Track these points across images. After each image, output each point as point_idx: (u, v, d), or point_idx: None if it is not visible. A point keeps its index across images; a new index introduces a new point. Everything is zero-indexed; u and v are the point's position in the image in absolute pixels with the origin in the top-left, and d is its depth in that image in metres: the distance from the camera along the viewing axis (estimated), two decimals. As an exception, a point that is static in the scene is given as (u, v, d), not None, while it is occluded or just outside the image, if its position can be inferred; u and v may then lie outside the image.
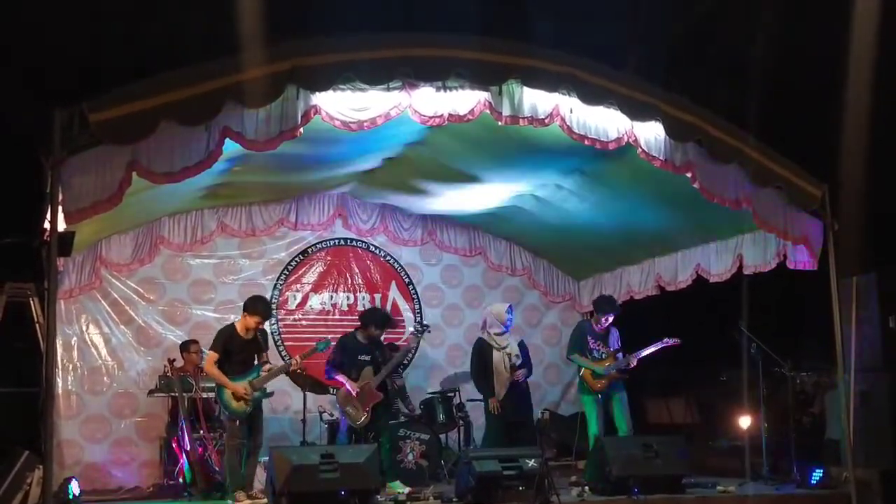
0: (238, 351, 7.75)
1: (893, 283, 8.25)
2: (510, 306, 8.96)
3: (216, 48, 6.86)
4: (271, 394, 8.05)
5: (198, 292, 10.14)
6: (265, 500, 7.60)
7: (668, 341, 8.64)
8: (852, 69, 9.49)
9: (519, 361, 8.60)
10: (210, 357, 7.77)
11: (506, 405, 8.50)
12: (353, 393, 8.22)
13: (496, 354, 8.58)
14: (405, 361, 10.23)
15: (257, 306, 7.90)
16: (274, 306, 10.33)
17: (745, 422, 8.91)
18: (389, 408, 8.76)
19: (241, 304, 10.00)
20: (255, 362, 7.84)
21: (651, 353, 8.67)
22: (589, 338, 8.78)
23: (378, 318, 8.59)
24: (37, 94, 9.03)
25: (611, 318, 8.77)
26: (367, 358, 8.41)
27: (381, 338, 8.70)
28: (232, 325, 7.97)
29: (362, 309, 10.53)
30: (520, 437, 8.35)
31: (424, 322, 9.75)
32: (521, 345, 8.86)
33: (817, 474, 7.97)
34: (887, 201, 9.88)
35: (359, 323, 8.60)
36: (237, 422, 7.64)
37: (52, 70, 9.99)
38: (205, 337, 9.71)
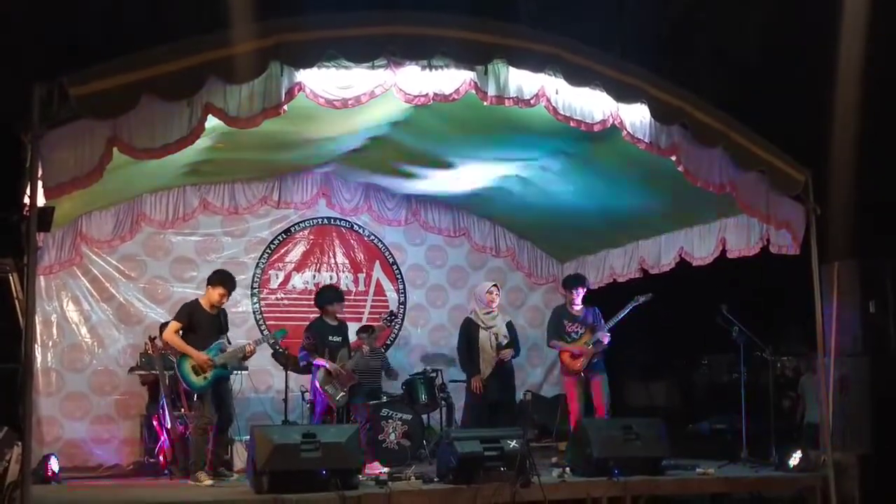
0: (202, 326, 7.73)
1: (874, 268, 8.30)
2: (495, 285, 8.95)
3: (200, 25, 6.78)
4: (231, 371, 7.96)
5: (179, 270, 10.07)
6: (234, 477, 7.70)
7: (640, 299, 8.61)
8: (841, 57, 9.51)
9: (506, 341, 8.59)
10: (172, 326, 7.74)
11: (489, 385, 8.49)
12: (334, 372, 8.25)
13: (482, 333, 8.57)
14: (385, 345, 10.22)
15: (222, 278, 7.86)
16: (256, 285, 10.32)
17: None
18: (363, 387, 8.81)
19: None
20: (216, 341, 7.80)
21: (624, 317, 8.62)
22: (565, 322, 8.80)
23: (334, 293, 8.66)
24: (16, 70, 8.91)
25: (581, 293, 8.78)
26: (339, 339, 8.50)
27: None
28: (196, 301, 7.92)
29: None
30: (501, 418, 8.34)
31: (393, 311, 9.68)
32: (510, 325, 8.85)
33: (796, 457, 8.02)
34: (872, 188, 9.94)
35: (318, 309, 8.60)
36: (200, 399, 7.63)
37: (33, 46, 9.86)
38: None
